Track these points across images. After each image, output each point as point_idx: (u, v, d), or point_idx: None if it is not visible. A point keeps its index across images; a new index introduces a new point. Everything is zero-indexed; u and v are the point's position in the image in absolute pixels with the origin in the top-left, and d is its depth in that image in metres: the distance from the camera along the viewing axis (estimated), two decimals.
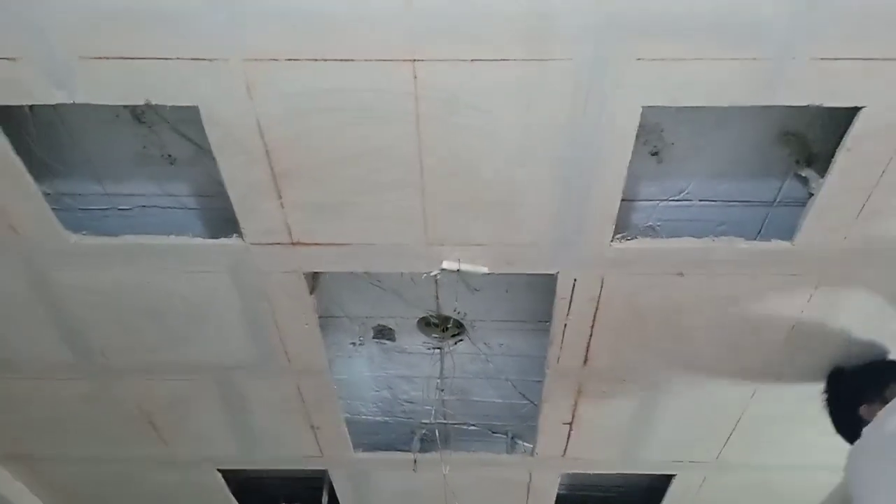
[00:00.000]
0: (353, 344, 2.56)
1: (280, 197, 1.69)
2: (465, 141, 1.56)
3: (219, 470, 2.88)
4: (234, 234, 1.82)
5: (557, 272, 1.93)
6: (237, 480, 3.03)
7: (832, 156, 1.59)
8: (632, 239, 1.84)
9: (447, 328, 2.46)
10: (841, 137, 1.54)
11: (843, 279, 1.89)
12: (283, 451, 2.74)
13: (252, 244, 1.84)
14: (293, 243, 1.83)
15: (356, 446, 2.76)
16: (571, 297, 2.00)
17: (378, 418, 2.87)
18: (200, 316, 2.09)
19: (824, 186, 1.63)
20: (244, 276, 1.94)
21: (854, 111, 1.47)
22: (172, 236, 1.83)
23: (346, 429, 2.64)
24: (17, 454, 2.76)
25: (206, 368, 2.31)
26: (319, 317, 2.18)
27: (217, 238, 1.85)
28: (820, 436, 2.53)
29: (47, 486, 2.96)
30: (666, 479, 2.90)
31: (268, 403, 2.48)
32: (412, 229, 1.80)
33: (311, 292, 2.05)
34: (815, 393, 2.31)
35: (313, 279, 2.08)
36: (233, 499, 3.06)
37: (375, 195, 1.70)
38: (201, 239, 1.85)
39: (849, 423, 2.03)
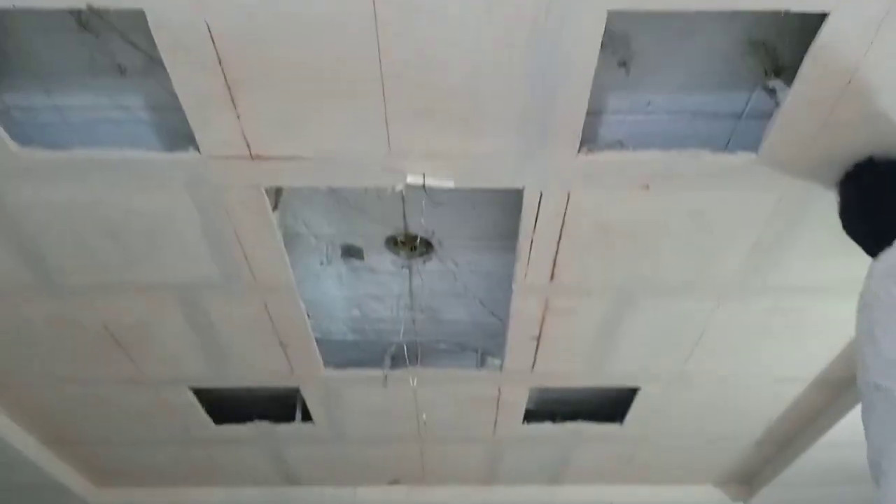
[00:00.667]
0: (321, 263, 2.54)
1: (235, 107, 1.63)
2: (425, 47, 1.51)
3: (191, 389, 2.90)
4: (191, 148, 1.77)
5: (523, 186, 1.91)
6: (210, 398, 3.06)
7: (799, 66, 1.56)
8: (598, 152, 1.82)
9: (415, 247, 2.45)
10: (808, 46, 1.51)
11: (806, 192, 1.89)
12: (253, 369, 2.77)
13: (209, 157, 1.78)
14: (252, 157, 1.78)
15: (326, 364, 2.79)
16: (537, 212, 1.99)
17: (348, 337, 2.89)
18: (159, 234, 2.05)
19: (790, 96, 1.61)
20: (203, 192, 1.90)
21: (821, 18, 1.43)
22: (126, 150, 1.77)
23: (315, 347, 2.65)
24: None
25: (168, 288, 2.28)
26: (284, 235, 2.16)
27: (173, 152, 1.79)
28: (782, 349, 2.62)
29: (17, 406, 2.97)
30: (631, 392, 2.98)
31: (235, 322, 2.47)
32: (374, 141, 1.75)
33: (273, 209, 2.02)
34: (777, 306, 2.36)
35: (276, 195, 2.04)
36: (206, 415, 3.09)
37: (335, 105, 1.65)
38: (156, 153, 1.79)
39: (877, 228, 1.68)
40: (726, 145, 1.83)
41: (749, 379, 2.82)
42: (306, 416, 3.17)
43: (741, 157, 1.79)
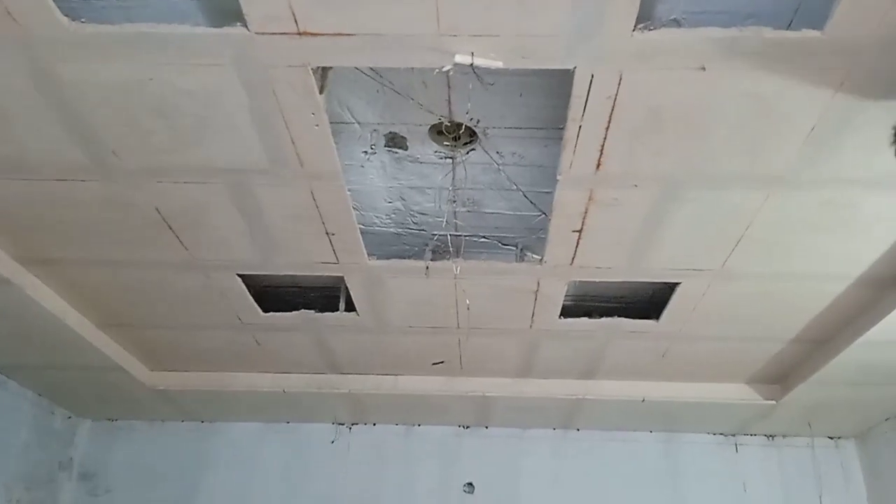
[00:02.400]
0: (365, 153, 2.54)
1: None
2: None
3: (238, 275, 2.98)
4: (238, 23, 1.75)
5: (574, 67, 1.86)
6: (257, 286, 3.16)
7: None
8: (654, 30, 1.75)
9: (459, 136, 2.43)
10: None
11: (871, 76, 1.81)
12: (300, 257, 2.82)
13: (256, 33, 1.77)
14: (299, 33, 1.76)
15: (370, 254, 2.84)
16: (587, 95, 1.95)
17: (391, 229, 2.92)
18: (208, 116, 2.06)
19: None
20: (250, 70, 1.89)
21: None
22: (174, 24, 1.76)
23: (360, 236, 2.69)
24: (43, 259, 2.85)
25: (217, 172, 2.32)
26: (330, 122, 2.15)
27: (220, 27, 1.77)
28: (828, 245, 2.57)
29: (74, 290, 3.10)
30: (670, 289, 2.98)
31: (282, 209, 2.51)
32: (424, 18, 1.71)
33: (320, 91, 2.01)
34: (828, 199, 2.31)
35: (322, 77, 2.02)
36: (254, 303, 3.20)
37: None
38: (204, 28, 1.78)
39: None
40: (790, 23, 1.75)
41: (791, 276, 2.80)
42: (350, 306, 3.26)
43: (805, 35, 1.70)
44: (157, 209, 2.51)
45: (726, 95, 1.91)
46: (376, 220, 2.88)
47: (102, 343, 3.49)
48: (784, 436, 4.37)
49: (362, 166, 2.59)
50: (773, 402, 3.83)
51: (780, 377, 3.77)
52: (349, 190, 2.45)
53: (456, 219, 2.84)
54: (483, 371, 3.88)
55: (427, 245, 2.99)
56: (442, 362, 3.74)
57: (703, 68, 1.83)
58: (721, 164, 2.18)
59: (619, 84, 1.90)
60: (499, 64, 1.86)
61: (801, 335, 3.27)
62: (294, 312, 3.31)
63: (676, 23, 1.80)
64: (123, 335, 3.55)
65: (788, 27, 1.78)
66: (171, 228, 2.62)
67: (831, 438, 4.35)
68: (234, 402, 4.18)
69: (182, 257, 2.81)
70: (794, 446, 4.34)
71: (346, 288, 3.10)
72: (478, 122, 2.34)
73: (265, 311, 3.31)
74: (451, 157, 2.55)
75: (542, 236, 2.71)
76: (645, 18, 1.75)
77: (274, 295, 3.32)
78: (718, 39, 1.74)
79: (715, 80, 1.86)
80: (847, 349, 3.11)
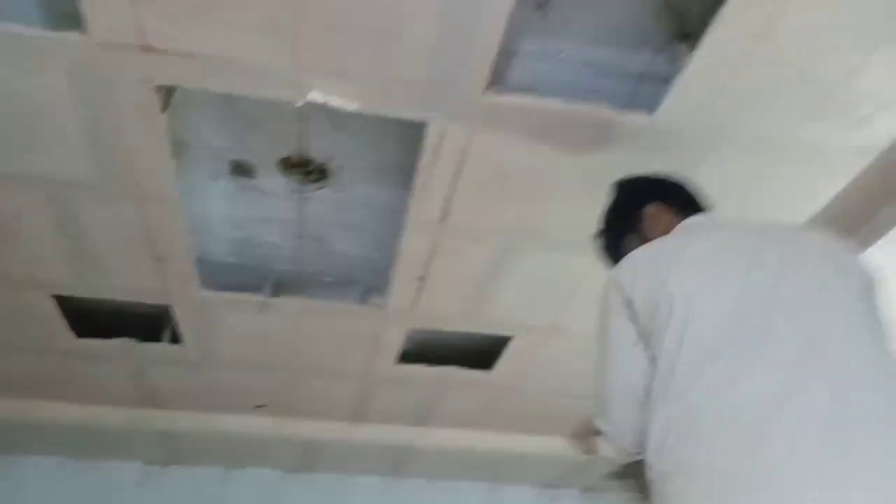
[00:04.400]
0: (209, 177, 2.43)
1: None
2: None
3: (53, 296, 2.71)
4: (77, 29, 1.62)
5: (427, 119, 1.90)
6: (74, 308, 2.88)
7: (704, 32, 1.63)
8: (505, 93, 1.83)
9: (311, 171, 2.39)
10: (716, 11, 1.57)
11: (696, 160, 2.00)
12: (124, 281, 2.62)
13: (97, 43, 1.65)
14: (145, 47, 1.66)
15: (204, 284, 2.69)
16: (438, 147, 1.99)
17: (229, 259, 2.79)
18: (34, 121, 1.88)
19: (692, 62, 1.68)
20: (86, 80, 1.75)
21: None
22: (5, 23, 1.60)
23: (193, 265, 2.55)
24: None
25: (38, 181, 2.11)
26: (173, 142, 2.04)
27: (57, 30, 1.64)
28: None
29: None
30: (504, 341, 3.07)
31: (108, 229, 2.33)
32: (281, 48, 1.68)
33: (162, 109, 1.90)
34: None
35: (167, 95, 1.92)
36: (67, 326, 2.91)
37: (245, 2, 1.55)
38: (39, 30, 1.63)
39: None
40: (628, 104, 1.90)
41: None
42: (175, 337, 3.06)
43: (639, 117, 1.86)
44: None
45: (567, 164, 2.03)
46: (214, 249, 2.74)
47: None
48: (601, 490, 4.58)
49: (204, 191, 2.47)
50: (590, 456, 4.01)
51: (598, 432, 3.95)
52: (187, 214, 2.32)
53: (300, 254, 2.77)
54: (313, 414, 3.76)
55: (268, 279, 2.88)
56: (264, 406, 3.59)
57: (548, 135, 1.93)
58: (559, 226, 2.30)
59: (470, 140, 1.97)
60: (354, 107, 1.86)
61: None
62: (112, 340, 3.05)
63: (527, 88, 1.90)
64: None
65: (625, 107, 1.93)
66: None
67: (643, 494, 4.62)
68: (34, 434, 3.74)
69: None
70: (608, 500, 4.56)
71: (173, 317, 2.91)
72: (330, 159, 2.32)
73: (80, 336, 3.02)
74: (300, 192, 2.49)
75: (387, 280, 2.70)
76: (497, 81, 1.82)
77: (92, 318, 3.04)
78: (563, 111, 1.85)
79: (558, 148, 1.97)
80: None
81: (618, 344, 1.28)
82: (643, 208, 1.53)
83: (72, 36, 1.64)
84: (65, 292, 2.70)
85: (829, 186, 2.08)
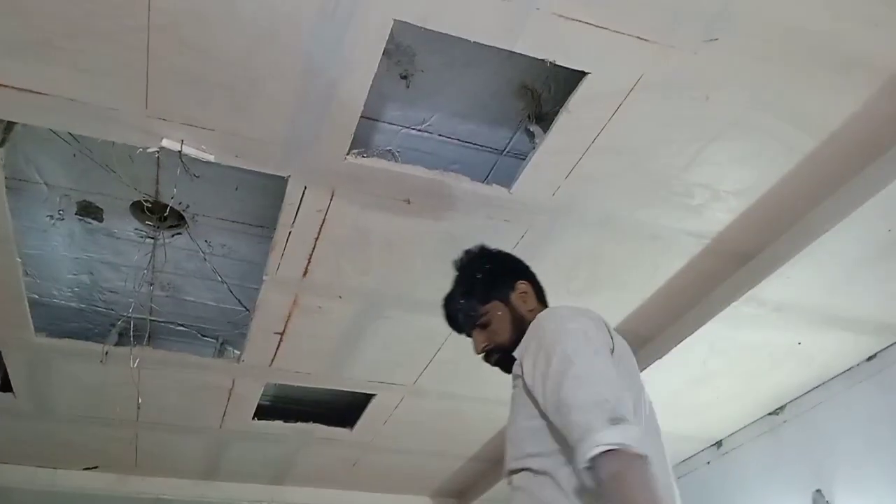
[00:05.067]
0: (51, 217, 2.26)
1: None
2: (203, 8, 1.41)
3: None
4: None
5: (288, 176, 1.87)
6: None
7: (557, 116, 1.71)
8: (367, 157, 1.83)
9: (164, 217, 2.27)
10: (566, 99, 1.66)
11: (545, 234, 2.07)
12: None
13: None
14: None
15: (39, 329, 2.48)
16: (299, 205, 1.96)
17: (72, 304, 2.60)
18: None
19: (544, 142, 1.75)
20: None
21: (581, 75, 1.58)
22: None
23: (27, 308, 2.35)
24: None
25: None
26: (8, 177, 1.89)
27: None
28: (499, 375, 2.81)
29: None
30: (366, 398, 3.02)
31: None
32: (131, 94, 1.61)
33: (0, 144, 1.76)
34: None
35: (6, 129, 1.79)
36: None
37: (90, 43, 1.48)
38: None
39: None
40: (486, 177, 1.95)
41: (472, 398, 2.99)
42: (6, 386, 2.79)
43: (496, 190, 1.91)
44: None
45: (426, 230, 2.04)
46: (55, 293, 2.55)
47: None
48: None
49: (45, 231, 2.29)
50: None
51: (460, 493, 3.95)
52: (23, 254, 2.14)
53: (152, 302, 2.62)
54: (161, 471, 3.52)
55: (114, 326, 2.70)
56: (96, 468, 3.33)
57: (408, 201, 1.94)
58: (419, 289, 2.31)
59: (331, 200, 1.95)
60: (210, 158, 1.80)
61: (479, 454, 3.48)
62: None
63: (390, 155, 1.91)
64: None
65: (486, 178, 1.98)
66: None
67: None
68: None
69: None
70: None
71: (3, 365, 2.66)
72: (187, 207, 2.22)
73: None
74: (152, 238, 2.37)
75: (244, 332, 2.60)
76: (361, 145, 1.82)
77: None
78: (424, 179, 1.87)
79: (417, 214, 1.98)
80: None
81: (608, 364, 1.29)
82: (516, 282, 1.55)
83: None
84: None
85: (668, 266, 2.21)
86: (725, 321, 2.26)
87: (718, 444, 3.15)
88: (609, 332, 1.39)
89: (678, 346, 2.40)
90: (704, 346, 2.40)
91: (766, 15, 1.47)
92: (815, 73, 1.60)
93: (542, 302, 1.58)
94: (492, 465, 3.58)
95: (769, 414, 2.88)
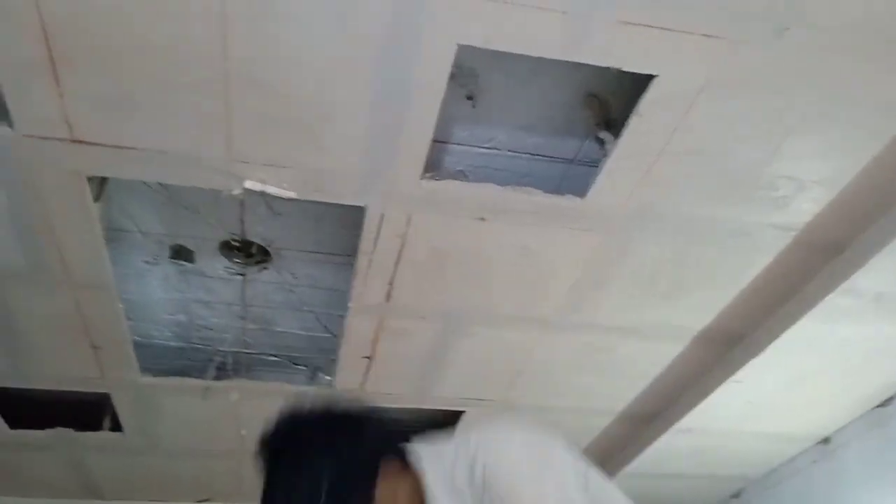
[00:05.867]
0: (147, 262, 2.39)
1: (59, 84, 1.51)
2: (274, 50, 1.48)
3: None
4: (3, 122, 1.61)
5: (365, 205, 1.92)
6: (6, 398, 2.77)
7: (627, 121, 1.70)
8: (441, 179, 1.86)
9: (251, 254, 2.37)
10: (636, 103, 1.64)
11: (624, 241, 2.04)
12: (58, 370, 2.54)
13: (24, 136, 1.63)
14: (74, 140, 1.65)
15: (144, 370, 2.62)
16: (378, 231, 2.00)
17: (171, 343, 2.73)
18: None
19: (617, 149, 1.74)
20: (12, 171, 1.73)
21: (648, 78, 1.57)
22: None
23: (132, 351, 2.48)
24: None
25: None
26: (107, 228, 2.01)
27: None
28: (592, 382, 2.78)
29: None
30: (455, 416, 3.03)
31: (40, 318, 2.26)
32: (213, 141, 1.69)
33: (95, 199, 1.88)
34: (591, 343, 2.51)
35: (100, 184, 1.91)
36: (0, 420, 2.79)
37: (173, 97, 1.57)
38: None
39: None
40: (557, 187, 1.94)
41: (563, 409, 2.96)
42: (116, 425, 2.95)
43: (569, 201, 1.90)
44: None
45: (502, 244, 2.05)
46: (155, 334, 2.68)
47: None
48: None
49: (142, 276, 2.42)
50: None
51: None
52: (124, 300, 2.27)
53: (245, 336, 2.72)
54: None
55: (211, 362, 2.82)
56: (208, 500, 3.46)
57: (483, 219, 1.96)
58: (499, 304, 2.31)
59: (408, 225, 1.98)
60: (291, 194, 1.86)
61: None
62: (47, 430, 2.93)
63: (462, 174, 1.93)
64: None
65: (557, 189, 1.98)
66: None
67: None
68: None
69: None
70: None
71: (113, 405, 2.81)
72: (271, 242, 2.31)
73: (13, 426, 2.89)
74: (241, 274, 2.47)
75: (334, 359, 2.67)
76: (433, 168, 1.85)
77: (26, 407, 2.92)
78: (496, 195, 1.88)
79: (492, 231, 2.00)
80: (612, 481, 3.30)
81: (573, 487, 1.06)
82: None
83: None
84: None
85: (756, 262, 2.14)
86: (822, 314, 2.17)
87: (826, 440, 3.00)
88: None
89: (774, 342, 2.31)
90: (802, 342, 2.31)
91: (838, 4, 1.42)
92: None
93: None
94: None
95: (877, 406, 2.74)
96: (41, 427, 2.92)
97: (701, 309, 2.36)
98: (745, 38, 1.49)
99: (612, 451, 3.28)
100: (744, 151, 1.77)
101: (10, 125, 1.61)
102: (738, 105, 1.65)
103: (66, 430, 2.94)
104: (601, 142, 1.81)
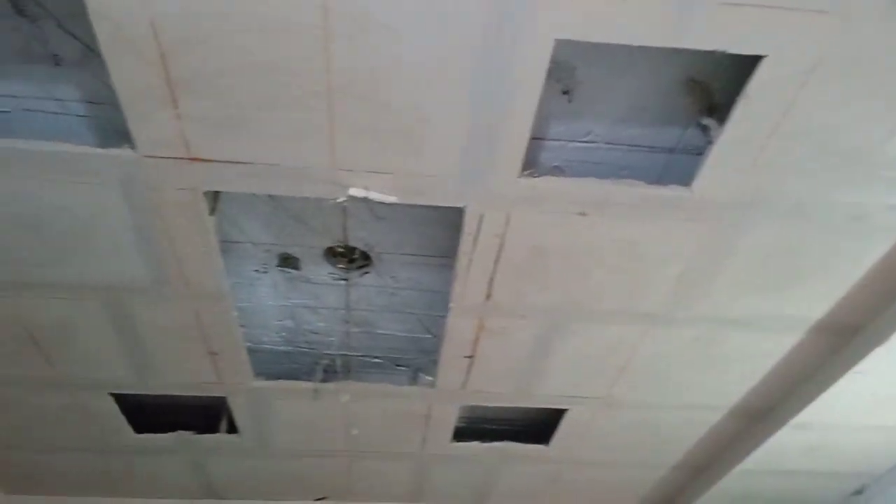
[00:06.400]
0: (257, 271, 2.50)
1: (176, 106, 1.60)
2: (374, 61, 1.51)
3: (111, 394, 2.79)
4: (126, 145, 1.72)
5: (465, 206, 1.93)
6: (131, 405, 2.96)
7: (732, 106, 1.64)
8: (539, 176, 1.85)
9: (354, 259, 2.44)
10: (742, 86, 1.58)
11: (733, 229, 1.97)
12: (180, 377, 2.68)
13: (145, 157, 1.74)
14: (191, 158, 1.75)
15: (257, 374, 2.73)
16: (477, 232, 2.01)
17: (280, 347, 2.84)
18: (87, 233, 1.98)
19: (723, 135, 1.68)
20: (136, 191, 1.85)
21: (756, 60, 1.51)
22: (57, 142, 1.71)
23: (246, 356, 2.60)
24: None
25: (93, 289, 2.20)
26: (220, 241, 2.11)
27: (106, 148, 1.74)
28: (701, 377, 2.70)
29: None
30: (558, 414, 3.02)
31: (162, 328, 2.40)
32: (319, 152, 1.75)
33: (211, 213, 1.98)
34: (699, 336, 2.44)
35: (213, 199, 2.00)
36: (126, 423, 2.98)
37: (280, 112, 1.63)
38: (89, 147, 1.74)
39: None
40: (660, 178, 1.90)
41: (671, 406, 2.89)
42: (232, 428, 3.10)
43: (674, 191, 1.85)
44: (22, 325, 2.34)
45: (604, 239, 2.02)
46: (265, 339, 2.80)
47: None
48: None
49: (252, 284, 2.53)
50: None
51: (667, 502, 3.81)
52: (237, 307, 2.38)
53: (349, 339, 2.80)
54: (372, 496, 3.72)
55: (318, 365, 2.91)
56: (324, 498, 3.57)
57: (583, 213, 1.94)
58: (601, 300, 2.28)
59: (507, 224, 1.98)
60: (393, 199, 1.90)
61: (682, 462, 3.35)
62: (170, 434, 3.10)
63: (559, 171, 1.92)
64: None
65: (659, 180, 1.93)
66: (37, 344, 2.44)
67: None
68: None
69: (48, 375, 2.61)
70: None
71: (229, 408, 2.95)
72: (373, 247, 2.37)
73: (138, 431, 3.09)
74: (344, 279, 2.54)
75: (435, 359, 2.70)
76: (530, 165, 1.85)
77: (148, 413, 3.11)
78: (596, 189, 1.86)
79: (593, 225, 1.97)
80: (724, 478, 3.20)
81: None
82: None
83: (122, 152, 1.74)
84: (122, 391, 2.77)
85: (875, 247, 2.02)
86: None
87: None
88: None
89: None
90: None
91: None
92: None
93: None
94: (697, 472, 3.43)
95: None
96: (164, 431, 3.10)
97: (817, 297, 2.25)
98: (858, 14, 1.41)
99: (723, 447, 3.18)
100: (859, 131, 1.67)
101: (133, 147, 1.71)
102: (851, 83, 1.56)
103: (187, 433, 3.10)
104: (705, 129, 1.76)
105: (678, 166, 1.88)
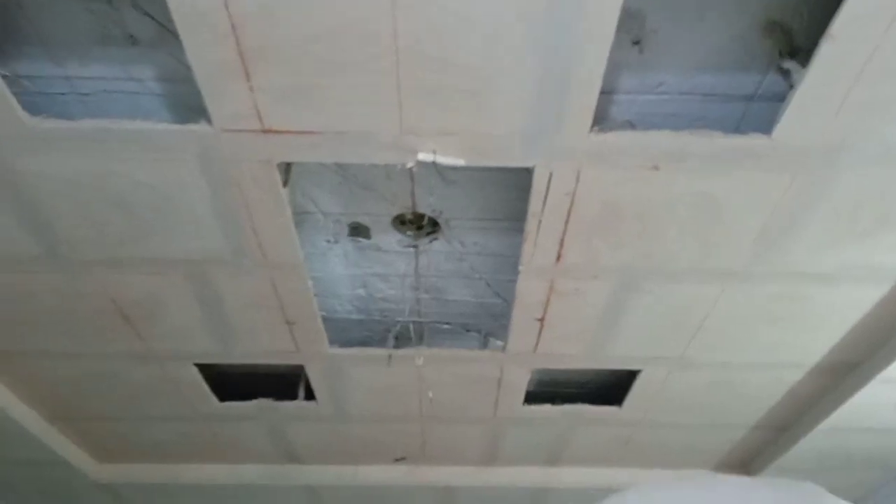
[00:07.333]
0: (328, 241, 2.54)
1: (249, 79, 1.62)
2: (440, 20, 1.50)
3: (195, 364, 2.90)
4: (202, 120, 1.76)
5: (534, 165, 1.91)
6: (214, 375, 3.07)
7: (816, 47, 1.56)
8: (609, 131, 1.82)
9: (422, 226, 2.45)
10: (826, 26, 1.51)
11: (819, 177, 1.90)
12: (259, 346, 2.77)
13: (222, 130, 1.78)
14: (264, 130, 1.78)
15: (332, 342, 2.80)
16: (547, 191, 1.99)
17: (353, 316, 2.89)
18: (169, 208, 2.05)
19: (806, 77, 1.61)
20: (214, 165, 1.89)
21: None
22: (136, 121, 1.77)
23: (321, 324, 2.66)
24: None
25: (177, 263, 2.28)
26: (293, 212, 2.16)
27: (184, 124, 1.79)
28: (783, 335, 2.63)
29: (23, 383, 2.97)
30: (631, 375, 2.99)
31: (242, 299, 2.48)
32: (387, 118, 1.75)
33: (284, 185, 2.02)
34: (781, 292, 2.37)
35: (286, 171, 2.04)
36: (210, 392, 3.10)
37: (348, 77, 1.64)
38: (167, 125, 1.79)
39: None
40: (738, 127, 1.83)
41: (749, 365, 2.83)
42: (309, 395, 3.19)
43: (753, 140, 1.78)
44: (112, 300, 2.45)
45: (679, 194, 1.97)
46: (338, 308, 2.85)
47: (48, 436, 3.32)
48: None
49: (324, 255, 2.58)
50: None
51: (745, 463, 3.75)
52: (311, 278, 2.43)
53: (419, 306, 2.83)
54: (446, 459, 3.78)
55: (390, 332, 2.96)
56: (404, 458, 3.65)
57: (657, 168, 1.89)
58: (676, 257, 2.23)
59: (577, 181, 1.96)
60: (461, 162, 1.89)
61: (762, 422, 3.28)
62: (251, 401, 3.22)
63: (630, 124, 1.88)
64: (71, 427, 3.40)
65: (737, 129, 1.87)
66: (126, 319, 2.56)
67: None
68: (183, 495, 3.99)
69: (137, 348, 2.73)
70: None
71: (306, 376, 3.03)
72: (441, 213, 2.37)
73: (221, 399, 3.21)
74: (414, 246, 2.56)
75: (505, 323, 2.71)
76: (600, 120, 1.81)
77: (231, 382, 3.23)
78: (670, 142, 1.81)
79: (668, 180, 1.92)
80: (807, 436, 3.12)
81: None
82: None
83: (199, 127, 1.78)
84: (206, 361, 2.88)
85: None
86: None
87: None
88: None
89: None
90: None
91: None
92: None
93: None
94: (779, 432, 3.36)
95: None
96: (245, 399, 3.21)
97: None
98: None
99: (806, 405, 3.10)
100: None
101: (210, 122, 1.75)
102: None
103: (267, 400, 3.21)
104: (786, 73, 1.69)
105: (757, 115, 1.81)
